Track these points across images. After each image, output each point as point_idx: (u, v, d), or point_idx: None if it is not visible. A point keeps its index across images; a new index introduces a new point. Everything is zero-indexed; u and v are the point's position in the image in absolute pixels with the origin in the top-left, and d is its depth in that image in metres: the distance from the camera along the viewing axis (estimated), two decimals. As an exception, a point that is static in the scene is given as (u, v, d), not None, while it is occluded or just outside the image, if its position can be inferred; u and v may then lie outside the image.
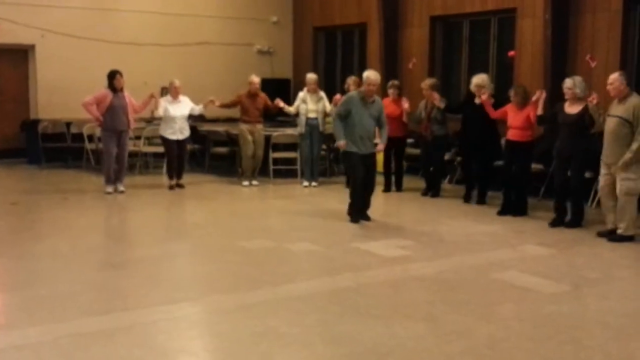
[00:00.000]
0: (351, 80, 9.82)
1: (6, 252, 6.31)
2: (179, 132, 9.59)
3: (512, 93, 8.18)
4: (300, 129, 10.13)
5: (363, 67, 13.01)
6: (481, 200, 8.77)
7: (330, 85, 13.04)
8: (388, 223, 7.99)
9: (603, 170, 7.04)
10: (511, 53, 10.36)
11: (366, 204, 7.69)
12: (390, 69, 12.01)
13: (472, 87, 8.69)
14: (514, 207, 8.15)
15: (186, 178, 10.04)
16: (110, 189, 9.14)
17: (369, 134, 7.58)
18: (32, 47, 11.89)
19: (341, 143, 7.53)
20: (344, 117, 7.50)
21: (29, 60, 12.05)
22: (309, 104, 10.02)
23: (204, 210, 8.55)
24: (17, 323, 4.50)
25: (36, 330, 4.36)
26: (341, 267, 5.97)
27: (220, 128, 11.01)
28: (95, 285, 5.37)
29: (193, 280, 5.63)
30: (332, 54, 13.98)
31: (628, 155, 6.72)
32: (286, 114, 10.66)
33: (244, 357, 4.03)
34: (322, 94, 10.22)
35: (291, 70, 14.18)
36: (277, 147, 10.70)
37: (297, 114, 10.19)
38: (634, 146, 6.70)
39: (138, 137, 10.95)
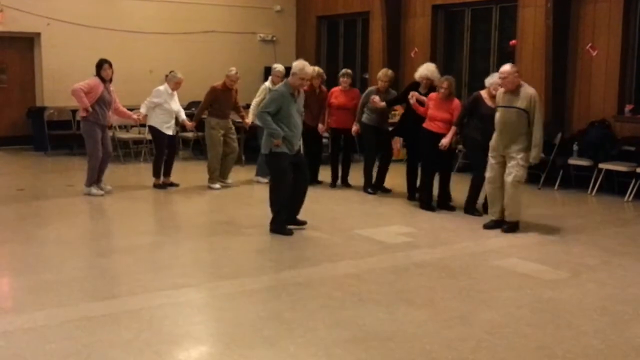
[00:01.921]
0: (315, 72, 8.93)
1: (13, 238, 6.40)
2: (173, 126, 9.03)
3: (444, 84, 7.63)
4: (257, 120, 8.72)
5: (365, 57, 13.13)
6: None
7: (333, 74, 13.05)
8: (387, 210, 8.05)
9: (493, 161, 6.86)
10: (513, 42, 10.38)
11: (298, 208, 6.85)
12: (393, 58, 12.05)
13: (418, 77, 8.25)
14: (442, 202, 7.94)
15: (191, 166, 10.03)
16: (97, 191, 8.37)
17: (299, 131, 6.68)
18: (38, 35, 11.94)
19: (278, 141, 6.47)
20: (272, 114, 6.49)
21: (34, 48, 12.10)
22: None
23: (205, 199, 8.61)
24: (24, 307, 4.60)
25: (43, 314, 4.45)
26: (344, 254, 6.05)
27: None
28: (101, 270, 5.46)
29: (197, 266, 5.71)
30: (335, 42, 14.00)
31: (537, 149, 6.59)
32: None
33: (248, 341, 4.12)
34: None
35: (294, 58, 14.05)
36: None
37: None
38: (537, 138, 6.57)
39: (143, 125, 10.94)
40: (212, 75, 12.37)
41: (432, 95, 7.84)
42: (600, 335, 4.29)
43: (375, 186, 8.88)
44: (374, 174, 8.93)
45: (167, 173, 9.13)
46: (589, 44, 9.39)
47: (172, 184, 9.10)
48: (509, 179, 6.71)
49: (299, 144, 6.81)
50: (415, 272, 5.61)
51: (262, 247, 6.30)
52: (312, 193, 7.41)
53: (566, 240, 6.65)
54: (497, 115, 6.79)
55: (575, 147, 9.19)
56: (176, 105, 9.05)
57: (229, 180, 9.24)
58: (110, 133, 9.26)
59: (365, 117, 8.76)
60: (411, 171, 8.40)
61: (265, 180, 8.92)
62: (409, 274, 5.57)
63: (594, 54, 9.34)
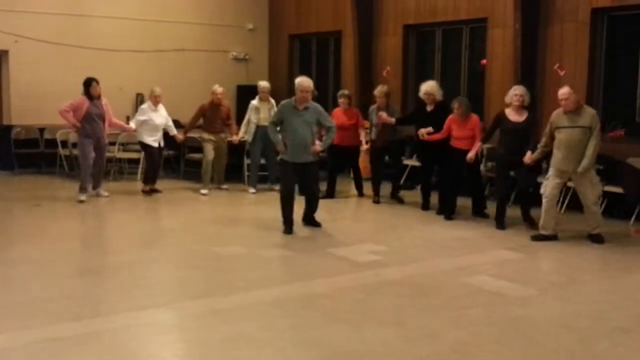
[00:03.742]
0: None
1: (-24, 259, 6.27)
2: (160, 139, 9.78)
3: (455, 105, 8.27)
4: (249, 137, 9.99)
5: (338, 75, 13.20)
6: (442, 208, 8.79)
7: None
8: (360, 228, 8.09)
9: (557, 180, 7.18)
10: (483, 62, 10.54)
11: (313, 210, 7.68)
12: (365, 77, 12.14)
13: (422, 94, 8.79)
14: (477, 210, 8.48)
15: (161, 184, 10.06)
16: (84, 197, 9.04)
17: (303, 142, 7.33)
18: (6, 52, 11.78)
19: (281, 147, 7.39)
20: (277, 124, 7.44)
21: (2, 66, 11.92)
22: (261, 112, 9.92)
23: (177, 216, 8.55)
24: (-13, 330, 4.49)
25: (6, 337, 4.34)
26: (313, 273, 6.03)
27: (195, 134, 10.99)
28: (67, 291, 5.35)
29: (165, 286, 5.64)
30: (308, 61, 14.07)
31: (588, 160, 6.97)
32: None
33: (215, 362, 4.07)
34: (273, 102, 10.10)
35: (267, 77, 14.17)
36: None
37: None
38: (591, 150, 6.97)
39: (113, 143, 10.90)
40: (184, 93, 12.41)
41: (451, 117, 8.36)
42: (567, 352, 4.31)
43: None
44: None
45: (154, 181, 9.85)
46: (557, 65, 9.56)
47: (156, 190, 9.81)
48: (588, 194, 7.09)
49: (302, 155, 7.35)
50: (385, 290, 5.60)
51: (232, 266, 6.25)
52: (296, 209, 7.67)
53: (535, 257, 6.72)
54: (561, 136, 7.12)
55: (544, 165, 9.28)
56: (162, 119, 9.81)
57: (205, 191, 9.91)
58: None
59: (373, 134, 9.33)
60: (426, 185, 9.00)
61: (253, 190, 10.00)
62: (378, 292, 5.55)
63: (562, 74, 9.50)
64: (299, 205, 7.70)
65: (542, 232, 7.25)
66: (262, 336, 4.47)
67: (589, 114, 7.09)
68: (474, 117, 8.36)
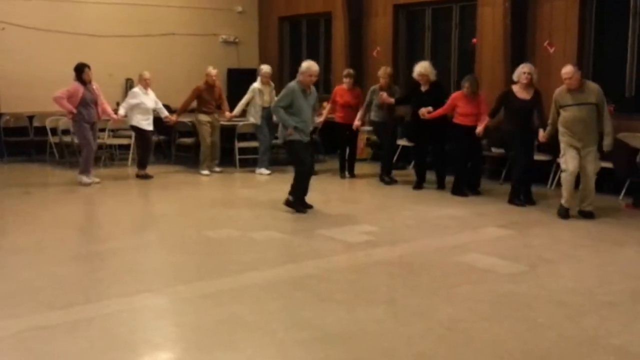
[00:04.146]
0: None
1: (-33, 248, 6.25)
2: (151, 122, 9.82)
3: (466, 84, 8.41)
4: (256, 119, 10.22)
5: (329, 56, 13.13)
6: (440, 185, 8.92)
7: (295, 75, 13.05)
8: (352, 209, 8.09)
9: (573, 153, 7.19)
10: (474, 40, 10.49)
11: (306, 191, 7.76)
12: (355, 58, 12.08)
13: (415, 75, 8.89)
14: (472, 187, 8.57)
15: (152, 169, 10.03)
16: (88, 179, 9.13)
17: (310, 122, 7.65)
18: (-8, 40, 11.69)
19: (291, 130, 7.43)
20: (286, 108, 7.47)
21: (-11, 54, 11.84)
22: (265, 95, 10.20)
23: (170, 201, 8.54)
24: (-23, 318, 4.49)
25: (-4, 325, 4.35)
26: (305, 254, 6.04)
27: (186, 119, 10.96)
28: (58, 279, 5.34)
29: (157, 271, 5.64)
30: (298, 43, 13.98)
31: (610, 136, 7.11)
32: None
33: (207, 345, 4.07)
34: (272, 84, 10.44)
35: (257, 60, 14.12)
36: (243, 137, 10.72)
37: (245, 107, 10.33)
38: (609, 127, 7.08)
39: (102, 130, 10.85)
40: (174, 78, 12.34)
41: (457, 95, 8.54)
42: (556, 327, 4.34)
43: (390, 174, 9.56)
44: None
45: (144, 166, 9.84)
46: (547, 42, 9.52)
47: (147, 176, 9.79)
48: (591, 172, 7.13)
49: (309, 134, 7.65)
50: (377, 270, 5.63)
51: (224, 249, 6.25)
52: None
53: (527, 234, 6.75)
54: (567, 114, 7.15)
55: (535, 143, 9.29)
56: (152, 103, 9.84)
57: (206, 172, 10.09)
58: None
59: (373, 115, 9.48)
60: (420, 164, 9.03)
61: (267, 171, 10.13)
62: (370, 272, 5.58)
63: (552, 51, 9.47)
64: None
65: (567, 205, 7.24)
66: (253, 319, 4.48)
67: (594, 90, 7.10)
68: (482, 95, 8.51)
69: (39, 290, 5.02)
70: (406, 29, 11.86)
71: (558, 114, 7.28)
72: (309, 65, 7.49)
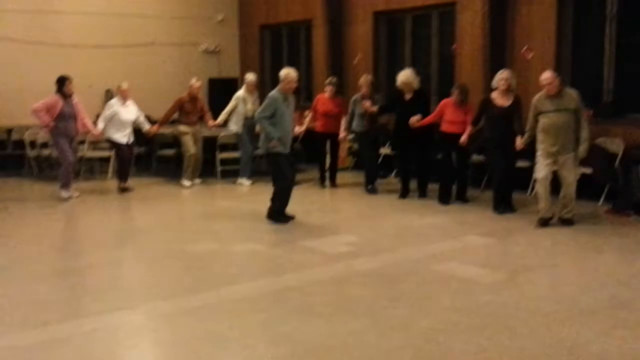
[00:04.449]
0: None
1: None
2: (129, 135, 9.65)
3: (455, 92, 8.43)
4: (238, 128, 10.15)
5: (310, 64, 13.13)
6: (423, 194, 8.91)
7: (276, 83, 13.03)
8: (333, 219, 8.08)
9: (546, 161, 7.20)
10: (454, 46, 10.53)
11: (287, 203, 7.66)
12: (336, 65, 12.09)
13: (399, 84, 8.86)
14: (459, 195, 8.57)
15: (133, 181, 9.94)
16: (66, 194, 9.01)
17: (290, 133, 7.60)
18: (-31, 52, 11.58)
19: (275, 142, 7.34)
20: (269, 118, 7.40)
21: (-35, 66, 11.72)
22: (249, 103, 10.10)
23: (150, 214, 8.47)
24: (-50, 339, 4.41)
25: (-31, 346, 4.27)
26: (285, 266, 6.00)
27: (166, 130, 10.91)
28: (33, 296, 5.26)
29: (135, 287, 5.58)
30: (279, 51, 13.98)
31: (587, 143, 7.09)
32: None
33: (184, 362, 4.03)
34: (256, 94, 10.37)
35: (238, 69, 14.13)
36: (224, 148, 10.68)
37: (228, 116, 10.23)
38: (586, 134, 7.06)
39: (82, 142, 10.77)
40: (155, 88, 12.29)
41: (447, 101, 8.52)
42: (535, 336, 4.34)
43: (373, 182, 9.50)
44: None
45: (125, 179, 9.67)
46: (525, 47, 9.58)
47: (127, 189, 9.64)
48: (570, 179, 7.12)
49: (290, 144, 7.59)
50: (357, 281, 5.60)
51: (204, 263, 6.19)
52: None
53: (507, 242, 6.76)
54: (546, 120, 7.14)
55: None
56: (131, 115, 9.67)
57: (188, 184, 10.01)
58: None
59: (355, 124, 9.43)
60: (405, 173, 9.01)
61: (249, 182, 10.10)
62: (350, 284, 5.55)
63: (530, 56, 9.52)
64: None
65: (544, 215, 7.22)
66: (233, 334, 4.44)
67: (572, 97, 7.11)
68: (470, 104, 8.49)
69: (13, 309, 4.94)
70: (386, 36, 11.89)
71: (536, 120, 7.30)
72: (287, 72, 7.47)
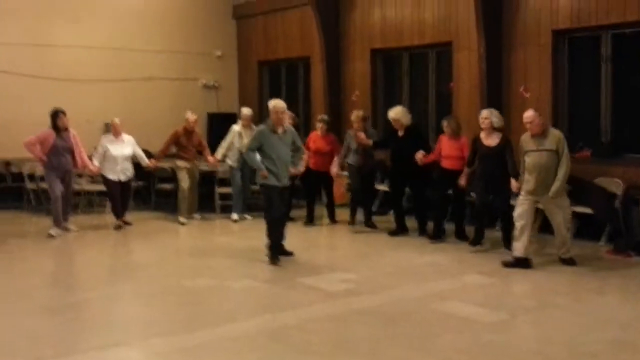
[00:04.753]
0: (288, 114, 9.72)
1: None
2: (121, 172, 9.43)
3: (444, 124, 8.46)
4: (233, 162, 10.07)
5: (308, 100, 13.20)
6: (421, 231, 8.84)
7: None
8: (331, 256, 8.04)
9: (526, 199, 7.13)
10: (451, 85, 10.62)
11: (283, 237, 7.56)
12: (334, 102, 12.16)
13: (390, 120, 8.87)
14: (458, 233, 8.48)
15: (132, 216, 9.85)
16: (55, 232, 8.77)
17: (286, 165, 7.45)
18: (-33, 84, 11.60)
19: (264, 172, 7.30)
20: (254, 150, 7.41)
21: (-36, 98, 11.73)
22: (244, 138, 9.89)
23: (147, 249, 8.41)
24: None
25: (-39, 384, 4.19)
26: (283, 304, 5.94)
27: (165, 164, 10.90)
28: (27, 331, 5.18)
29: (131, 323, 5.51)
30: (277, 87, 14.05)
31: (559, 183, 6.98)
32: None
33: (180, 403, 3.96)
34: (254, 128, 9.94)
35: (237, 104, 14.16)
36: (223, 182, 10.66)
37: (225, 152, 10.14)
38: (561, 173, 6.97)
39: (80, 176, 10.75)
40: (154, 122, 12.29)
41: (441, 137, 8.57)
42: (537, 379, 4.28)
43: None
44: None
45: (121, 214, 9.50)
46: (522, 87, 9.66)
47: (125, 223, 9.52)
48: (558, 219, 7.05)
49: (286, 177, 7.44)
50: (356, 320, 5.54)
51: (201, 299, 6.13)
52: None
53: (506, 281, 6.70)
54: (529, 159, 7.12)
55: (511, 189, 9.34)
56: (124, 150, 9.47)
57: (184, 220, 9.83)
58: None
59: (350, 159, 9.41)
60: (398, 209, 8.94)
61: (236, 217, 10.00)
62: (349, 322, 5.49)
63: (527, 95, 9.60)
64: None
65: (516, 254, 7.13)
66: (229, 373, 4.37)
67: (555, 137, 7.11)
68: (464, 138, 8.44)
69: (6, 343, 4.87)
70: (384, 73, 11.99)
71: (524, 160, 7.31)
72: (274, 104, 7.42)
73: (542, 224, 8.53)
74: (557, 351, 4.75)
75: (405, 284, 6.62)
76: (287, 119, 9.35)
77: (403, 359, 4.61)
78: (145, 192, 11.56)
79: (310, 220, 9.72)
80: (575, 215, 8.38)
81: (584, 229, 8.43)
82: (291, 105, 13.27)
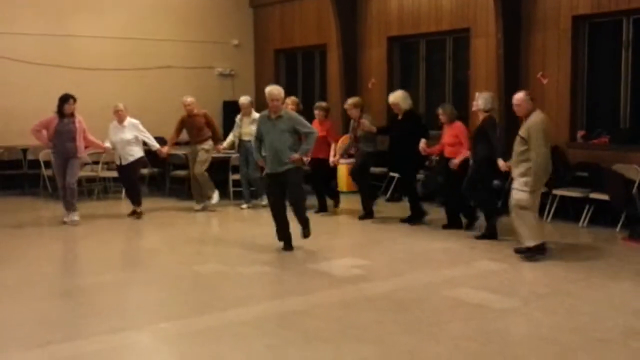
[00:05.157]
0: (290, 100, 9.48)
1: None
2: (120, 157, 9.29)
3: (440, 111, 8.28)
4: (234, 151, 10.05)
5: (324, 88, 13.15)
6: (413, 218, 8.73)
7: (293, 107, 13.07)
8: (343, 243, 8.00)
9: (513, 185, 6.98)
10: (470, 72, 10.49)
11: (300, 222, 7.27)
12: (350, 89, 12.06)
13: (390, 104, 8.79)
14: (460, 221, 8.35)
15: (146, 203, 9.85)
16: (67, 218, 8.81)
17: (278, 151, 7.09)
18: (-12, 74, 11.73)
19: (261, 161, 7.38)
20: (259, 139, 7.35)
21: (-16, 88, 11.87)
22: (243, 127, 9.89)
23: (159, 235, 8.43)
24: (-48, 358, 4.38)
25: (-29, 365, 4.24)
26: (293, 289, 5.93)
27: (179, 151, 10.92)
28: (38, 316, 5.23)
29: (141, 308, 5.53)
30: (293, 75, 14.03)
31: (532, 172, 6.65)
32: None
33: (185, 385, 3.96)
34: (256, 116, 9.78)
35: (253, 92, 14.13)
36: (236, 169, 10.65)
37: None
38: (531, 158, 6.62)
39: (96, 162, 10.82)
40: (170, 111, 12.27)
41: (444, 126, 8.35)
42: (547, 366, 4.22)
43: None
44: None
45: (133, 202, 9.43)
46: (540, 73, 9.51)
47: (135, 213, 9.32)
48: (512, 204, 6.79)
49: (281, 164, 7.09)
50: (366, 306, 5.50)
51: (211, 284, 6.14)
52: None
53: (519, 268, 6.61)
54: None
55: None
56: (122, 135, 9.24)
57: (198, 207, 9.79)
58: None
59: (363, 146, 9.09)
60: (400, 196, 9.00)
61: (244, 205, 9.98)
62: (358, 308, 5.45)
63: (545, 82, 9.45)
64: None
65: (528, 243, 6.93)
66: (235, 358, 4.37)
67: (528, 123, 6.71)
68: (457, 123, 8.23)
69: (18, 328, 4.91)
70: (400, 60, 11.89)
71: None
72: (268, 90, 7.25)
73: (549, 209, 8.46)
74: (569, 338, 4.67)
75: (417, 270, 6.57)
76: (290, 105, 9.25)
77: (411, 346, 4.57)
78: (160, 179, 11.60)
79: (321, 208, 9.61)
80: (592, 201, 8.28)
81: (600, 215, 8.30)
82: (307, 93, 13.37)
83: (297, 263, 6.78)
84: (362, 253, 7.23)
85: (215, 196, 9.80)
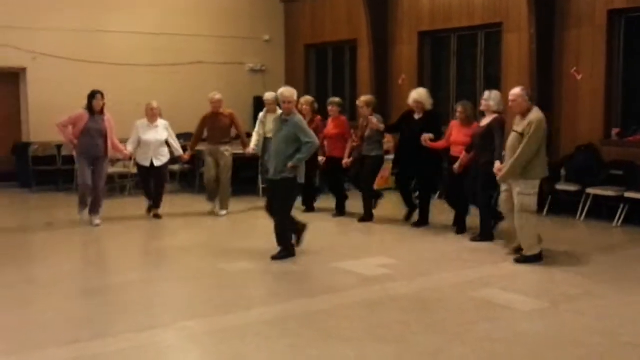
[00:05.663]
0: (304, 99, 9.22)
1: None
2: (154, 158, 8.96)
3: (459, 109, 7.82)
4: (258, 149, 9.67)
5: (354, 83, 13.10)
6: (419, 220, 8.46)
7: (323, 102, 13.02)
8: (370, 241, 7.93)
9: (503, 187, 6.78)
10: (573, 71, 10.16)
11: (277, 239, 6.89)
12: (381, 85, 12.02)
13: (411, 102, 8.32)
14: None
15: (175, 199, 9.91)
16: (81, 216, 8.58)
17: (276, 156, 6.79)
18: (24, 70, 11.94)
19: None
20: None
21: (20, 83, 12.09)
22: (267, 124, 9.39)
23: (186, 233, 8.47)
24: (-17, 353, 4.47)
25: (1, 360, 4.32)
26: (318, 288, 5.92)
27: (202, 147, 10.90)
28: (66, 313, 5.31)
29: (166, 306, 5.56)
30: (324, 70, 14.00)
31: (509, 164, 6.44)
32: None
33: (208, 384, 3.98)
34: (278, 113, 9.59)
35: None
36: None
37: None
38: (516, 154, 6.38)
39: (116, 161, 10.92)
40: (201, 107, 12.36)
41: (453, 122, 7.96)
42: (574, 371, 4.13)
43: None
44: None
45: (156, 205, 9.16)
46: (574, 68, 9.32)
47: (156, 216, 9.07)
48: (517, 209, 6.52)
49: (276, 172, 6.78)
50: (390, 306, 5.46)
51: (236, 283, 6.16)
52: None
53: (549, 269, 6.50)
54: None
55: (562, 172, 9.08)
56: (157, 136, 8.97)
57: (223, 212, 9.31)
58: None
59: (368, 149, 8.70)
60: (406, 194, 8.54)
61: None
62: (383, 308, 5.41)
63: (579, 77, 9.26)
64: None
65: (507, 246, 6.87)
66: (258, 357, 4.38)
67: (527, 120, 6.44)
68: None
69: (46, 325, 4.99)
70: (431, 55, 11.77)
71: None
72: (281, 92, 6.97)
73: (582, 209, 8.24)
74: (598, 341, 4.57)
75: (444, 270, 6.50)
76: (304, 105, 8.97)
77: (436, 347, 4.52)
78: (191, 176, 11.69)
79: (339, 212, 9.17)
80: (626, 200, 8.09)
81: (635, 215, 8.10)
82: (337, 89, 13.32)
83: (324, 262, 6.75)
84: (388, 252, 7.17)
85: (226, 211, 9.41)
